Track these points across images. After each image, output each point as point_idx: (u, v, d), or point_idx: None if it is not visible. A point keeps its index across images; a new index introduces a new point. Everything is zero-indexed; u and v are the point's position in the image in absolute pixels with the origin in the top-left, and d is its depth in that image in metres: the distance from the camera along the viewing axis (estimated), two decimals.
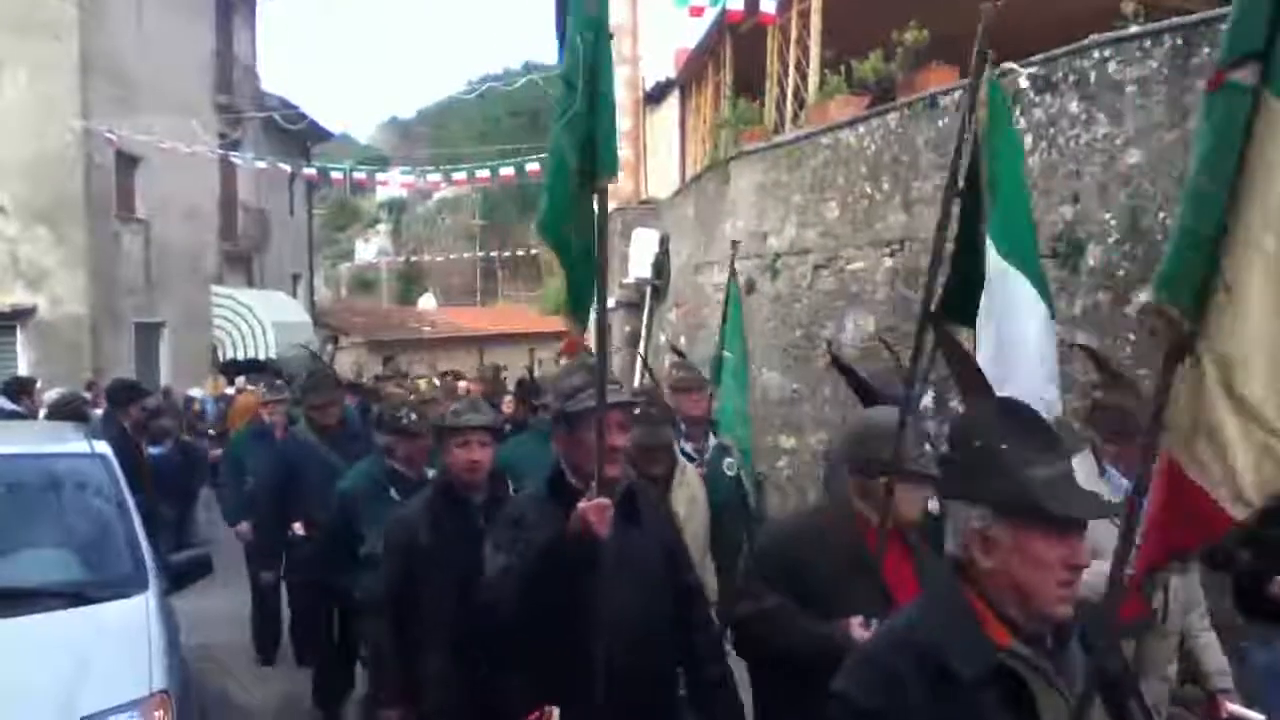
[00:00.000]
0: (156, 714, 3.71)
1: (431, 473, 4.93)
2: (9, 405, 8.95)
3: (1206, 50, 5.28)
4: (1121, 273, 5.74)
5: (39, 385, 10.22)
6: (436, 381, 14.48)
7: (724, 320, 6.28)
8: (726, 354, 5.93)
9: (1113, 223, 5.84)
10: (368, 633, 4.94)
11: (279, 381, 7.64)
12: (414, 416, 5.02)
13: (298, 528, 6.12)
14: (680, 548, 3.39)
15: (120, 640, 3.98)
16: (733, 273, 6.65)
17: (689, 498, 4.69)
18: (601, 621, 2.80)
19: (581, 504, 2.75)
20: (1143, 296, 5.54)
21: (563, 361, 4.53)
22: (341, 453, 6.15)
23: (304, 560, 6.13)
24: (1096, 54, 6.07)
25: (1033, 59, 6.60)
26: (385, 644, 3.96)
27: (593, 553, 2.76)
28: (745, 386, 6.41)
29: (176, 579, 4.68)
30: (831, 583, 2.86)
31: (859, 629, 2.78)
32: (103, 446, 5.15)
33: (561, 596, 2.79)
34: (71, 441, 5.33)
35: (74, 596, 4.19)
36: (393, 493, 4.82)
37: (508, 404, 8.89)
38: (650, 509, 3.26)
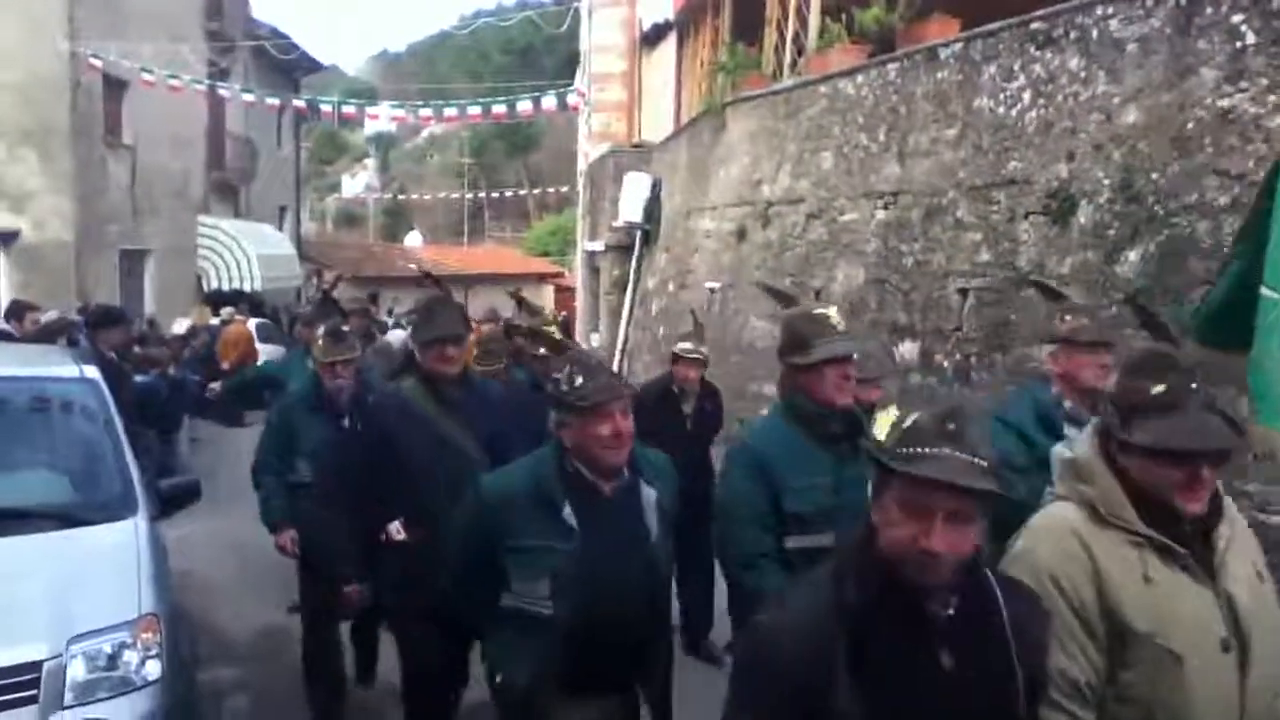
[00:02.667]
0: (146, 635, 3.75)
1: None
2: (3, 326, 8.96)
3: (1209, 10, 5.26)
4: (1112, 232, 5.77)
5: (37, 312, 10.06)
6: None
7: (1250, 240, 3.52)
8: (1269, 292, 3.35)
9: (1106, 182, 5.86)
10: None
11: (345, 328, 5.73)
12: (582, 381, 3.01)
13: (394, 529, 4.22)
14: None
15: (110, 562, 4.01)
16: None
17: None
18: None
19: None
20: (1132, 256, 5.58)
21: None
22: (475, 430, 4.24)
23: (406, 577, 4.16)
24: (1099, 10, 6.04)
25: (1035, 14, 6.57)
26: None
27: None
28: None
29: (165, 504, 4.72)
30: None
31: None
32: (92, 371, 5.15)
33: None
34: (61, 365, 5.33)
35: (64, 518, 4.22)
36: (566, 513, 2.99)
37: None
38: None
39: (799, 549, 3.12)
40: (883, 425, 2.05)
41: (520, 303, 6.75)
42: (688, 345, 6.27)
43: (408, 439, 4.14)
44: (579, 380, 2.97)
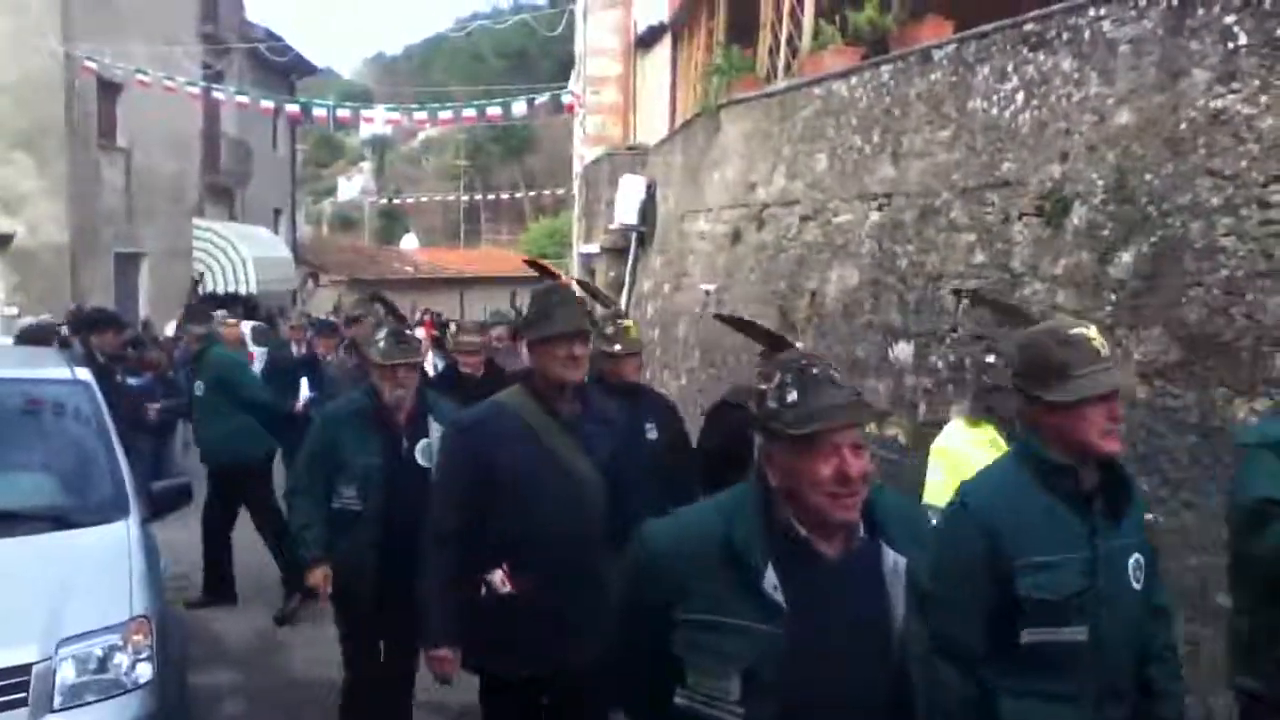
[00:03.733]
0: (136, 638, 3.75)
1: None
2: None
3: (1201, 11, 5.27)
4: (1105, 233, 5.76)
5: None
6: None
7: None
8: None
9: (1099, 183, 5.86)
10: None
11: (408, 332, 5.07)
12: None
13: (498, 580, 3.43)
14: None
15: (101, 565, 4.01)
16: None
17: None
18: None
19: None
20: (1125, 257, 5.57)
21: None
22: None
23: (504, 639, 3.44)
24: (1092, 11, 6.04)
25: (1028, 15, 6.57)
26: None
27: None
28: None
29: (157, 507, 4.71)
30: None
31: None
32: (84, 373, 5.16)
33: None
34: (53, 367, 5.33)
35: (55, 520, 4.22)
36: (769, 582, 2.10)
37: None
38: None
39: (1039, 644, 2.44)
40: None
41: (591, 292, 5.64)
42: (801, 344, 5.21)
43: (513, 463, 3.39)
44: (792, 395, 2.07)
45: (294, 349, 10.61)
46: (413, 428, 4.59)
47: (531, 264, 4.71)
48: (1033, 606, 2.42)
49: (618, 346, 4.71)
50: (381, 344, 4.61)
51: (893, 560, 2.13)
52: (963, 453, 4.02)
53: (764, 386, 2.16)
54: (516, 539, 3.40)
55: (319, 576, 4.58)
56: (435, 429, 4.49)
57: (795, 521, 2.10)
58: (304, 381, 8.59)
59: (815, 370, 2.12)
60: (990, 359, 4.26)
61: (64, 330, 9.35)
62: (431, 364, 8.70)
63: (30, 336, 8.23)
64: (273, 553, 7.27)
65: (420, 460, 4.49)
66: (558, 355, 3.41)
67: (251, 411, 7.21)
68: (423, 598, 3.58)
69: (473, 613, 3.46)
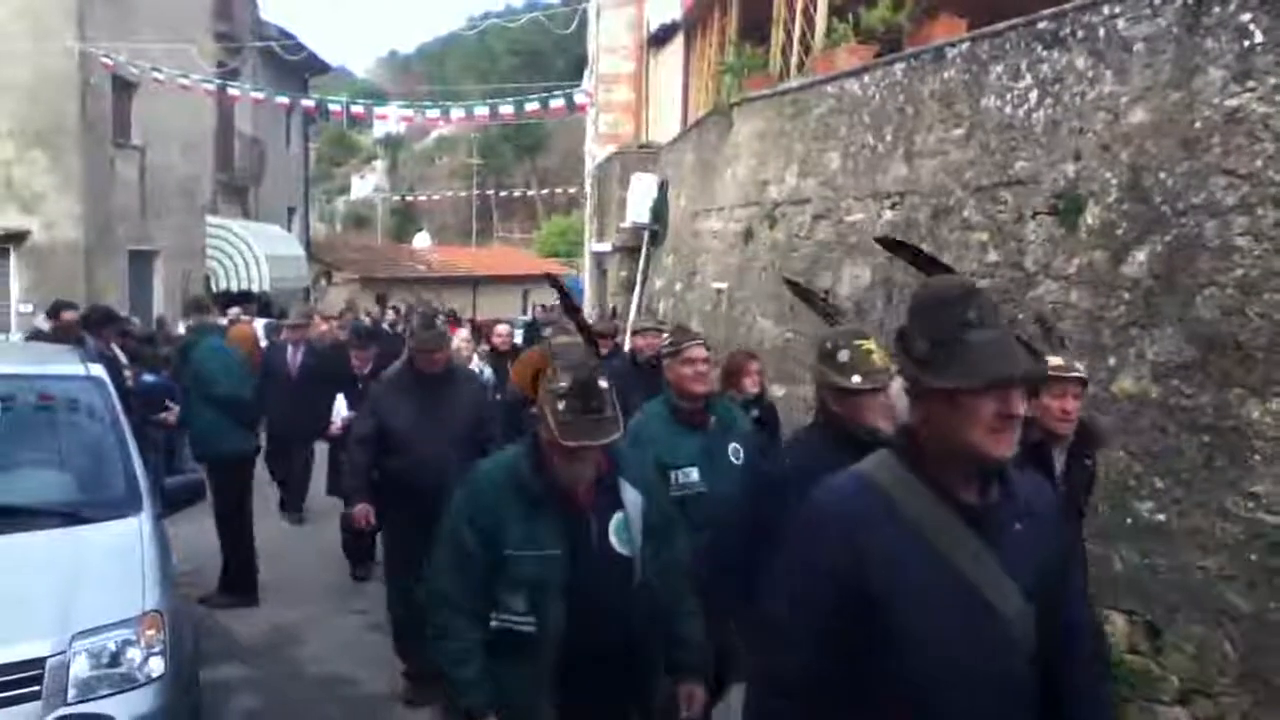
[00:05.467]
0: (149, 633, 3.78)
1: None
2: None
3: (1217, 9, 5.24)
4: (1120, 232, 5.74)
5: (74, 311, 10.03)
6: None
7: None
8: None
9: (1113, 181, 5.83)
10: None
11: (602, 385, 3.13)
12: None
13: None
14: None
15: (114, 560, 4.04)
16: None
17: None
18: None
19: None
20: (1140, 257, 5.55)
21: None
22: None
23: None
24: (1106, 9, 6.01)
25: (1042, 13, 6.55)
26: None
27: None
28: None
29: (170, 502, 4.74)
30: None
31: None
32: (97, 369, 5.19)
33: None
34: (66, 364, 5.36)
35: (69, 516, 4.25)
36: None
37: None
38: None
39: None
40: None
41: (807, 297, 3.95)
42: (1057, 360, 3.95)
43: (896, 586, 2.01)
44: None
45: (289, 351, 10.11)
46: (598, 501, 3.09)
47: (889, 244, 2.92)
48: None
49: (856, 378, 3.14)
50: (563, 407, 2.94)
51: None
52: None
53: None
54: (898, 709, 2.05)
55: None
56: (631, 495, 3.13)
57: None
58: (340, 399, 7.91)
59: None
60: None
61: (41, 322, 9.34)
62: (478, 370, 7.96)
63: (41, 333, 8.30)
64: (225, 555, 7.36)
65: (618, 547, 3.08)
66: (981, 416, 1.98)
67: (223, 408, 7.18)
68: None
69: None
